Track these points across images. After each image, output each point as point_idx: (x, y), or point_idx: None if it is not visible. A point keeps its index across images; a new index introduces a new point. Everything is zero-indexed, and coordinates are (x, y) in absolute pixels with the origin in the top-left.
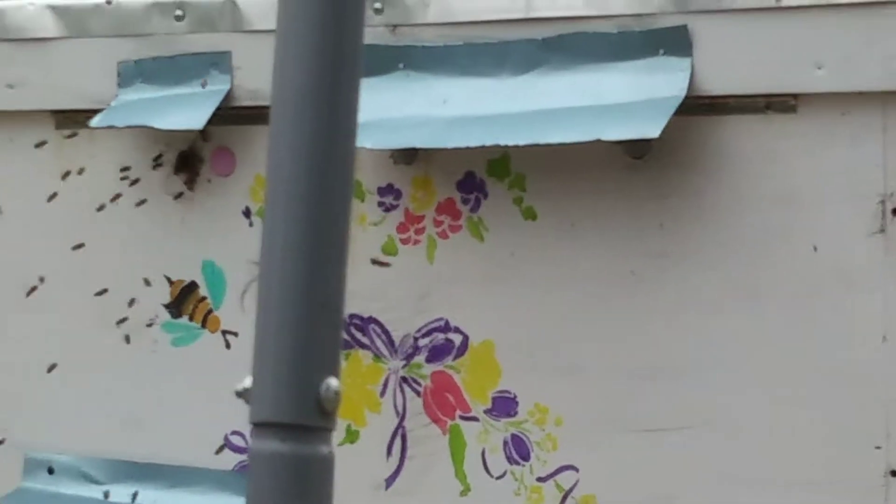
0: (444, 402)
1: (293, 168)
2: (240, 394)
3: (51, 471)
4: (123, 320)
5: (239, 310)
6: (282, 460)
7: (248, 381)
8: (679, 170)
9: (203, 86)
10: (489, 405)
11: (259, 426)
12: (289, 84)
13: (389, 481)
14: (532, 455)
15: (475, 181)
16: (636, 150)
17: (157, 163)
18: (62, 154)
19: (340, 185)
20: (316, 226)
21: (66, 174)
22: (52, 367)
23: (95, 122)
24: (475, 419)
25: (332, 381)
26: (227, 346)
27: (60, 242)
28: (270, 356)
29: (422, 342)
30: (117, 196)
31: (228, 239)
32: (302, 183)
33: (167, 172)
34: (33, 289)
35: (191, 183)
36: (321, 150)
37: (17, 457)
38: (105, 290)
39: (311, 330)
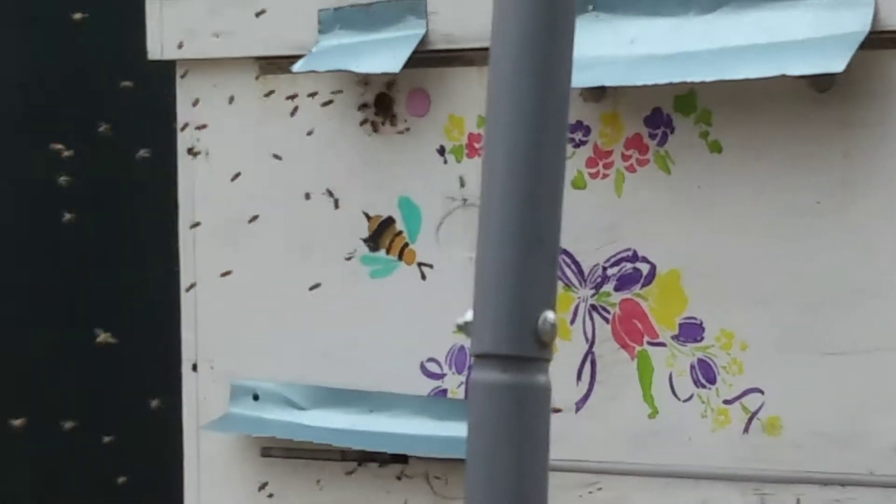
0: (632, 329)
1: (512, 110)
2: (461, 327)
3: (256, 397)
4: (325, 253)
5: (434, 243)
6: (502, 390)
7: (468, 315)
8: (863, 102)
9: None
10: (676, 331)
11: (480, 357)
12: (508, 28)
13: (579, 405)
14: (718, 378)
15: (662, 116)
16: (820, 83)
17: (355, 105)
18: (265, 99)
19: (556, 126)
20: (533, 165)
21: (269, 117)
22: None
23: (297, 67)
24: (662, 345)
25: (549, 314)
26: (423, 277)
27: (261, 181)
28: (490, 291)
29: (610, 272)
30: (316, 136)
31: (423, 176)
32: (520, 124)
33: (365, 114)
34: (254, 217)
35: (387, 123)
36: (538, 92)
37: (224, 384)
38: (306, 224)
39: (528, 265)
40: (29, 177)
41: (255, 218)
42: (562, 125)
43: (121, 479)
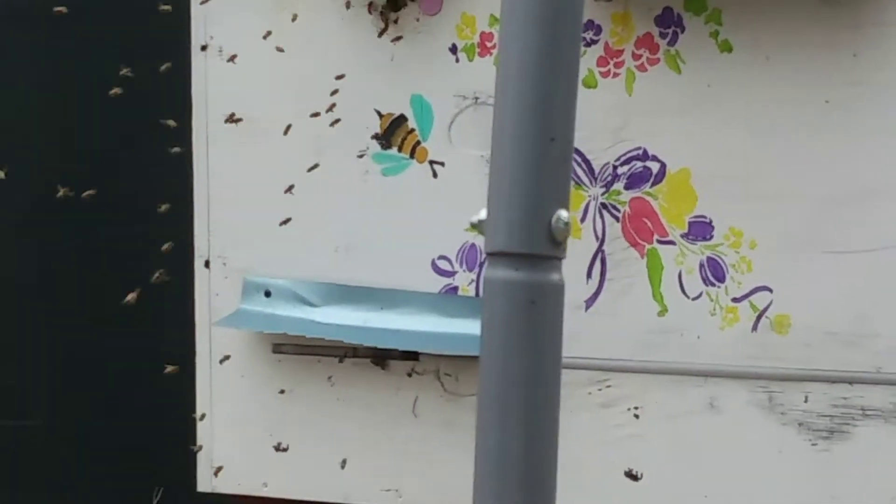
0: (641, 227)
1: (526, 10)
2: (475, 225)
3: (268, 294)
4: (336, 151)
5: (446, 141)
6: (515, 287)
7: (482, 214)
8: (872, 2)
9: None
10: (685, 229)
11: (494, 255)
12: None
13: (589, 302)
14: (727, 277)
15: (673, 16)
16: None
17: (369, 3)
18: (280, 3)
19: (570, 25)
20: (547, 65)
21: (294, 18)
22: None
23: None
24: (672, 243)
25: (563, 213)
26: (434, 175)
27: (276, 80)
28: (504, 190)
29: (620, 170)
30: (330, 35)
31: (436, 74)
32: (535, 23)
33: (378, 12)
34: (289, 127)
35: (399, 21)
36: None
37: (236, 281)
38: (317, 122)
39: (542, 164)
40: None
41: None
42: (576, 25)
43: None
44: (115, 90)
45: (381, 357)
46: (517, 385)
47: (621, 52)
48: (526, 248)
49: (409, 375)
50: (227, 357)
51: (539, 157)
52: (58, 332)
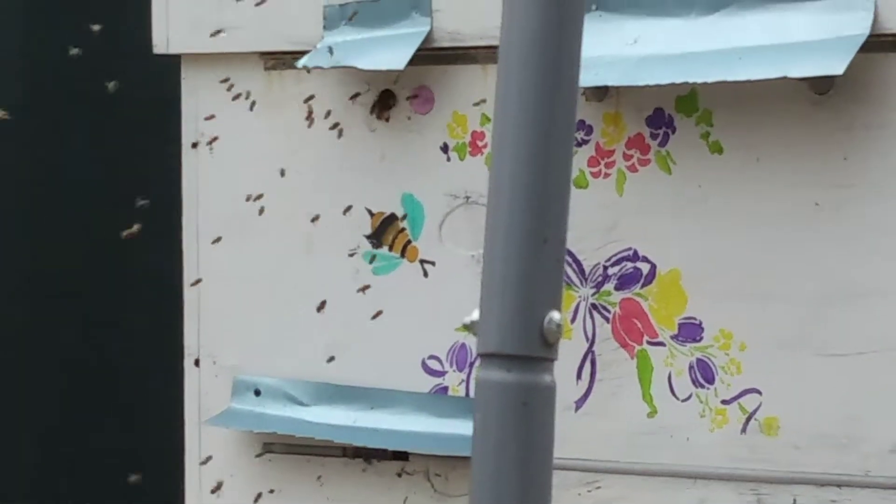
0: (632, 328)
1: (520, 110)
2: (467, 326)
3: (257, 392)
4: (327, 250)
5: (436, 240)
6: (508, 389)
7: (475, 315)
8: (862, 105)
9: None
10: (675, 331)
11: (486, 357)
12: (517, 30)
13: (579, 403)
14: (717, 378)
15: (664, 117)
16: (820, 86)
17: (359, 101)
18: (269, 93)
19: (564, 127)
20: (540, 165)
21: (274, 112)
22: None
23: (302, 62)
24: (662, 344)
25: (555, 314)
26: (425, 274)
27: (265, 176)
28: (497, 291)
29: (611, 271)
30: (320, 132)
31: (427, 173)
32: (528, 124)
33: (369, 110)
34: (292, 197)
35: (391, 120)
36: (547, 94)
37: (226, 379)
38: (309, 220)
39: (534, 265)
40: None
41: (262, 210)
42: (569, 126)
43: (133, 478)
44: None
45: (371, 457)
46: (509, 486)
47: (612, 152)
48: (518, 350)
49: (399, 475)
50: (209, 458)
51: (532, 258)
52: (47, 431)
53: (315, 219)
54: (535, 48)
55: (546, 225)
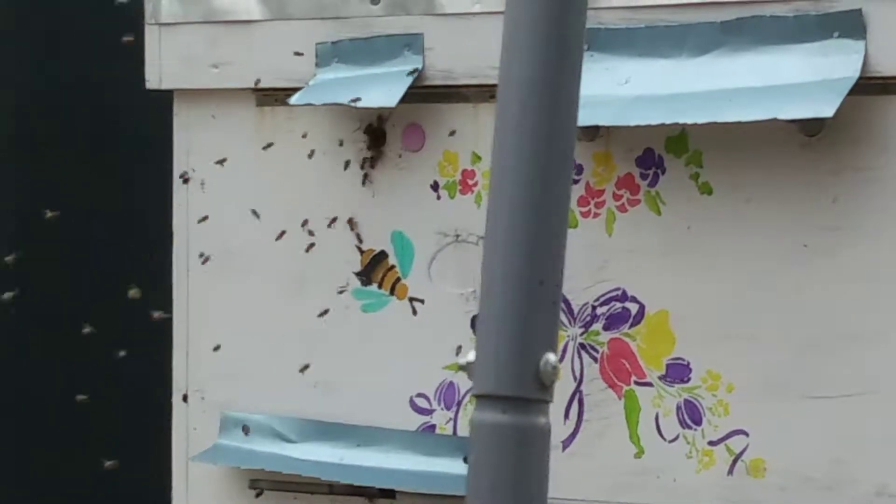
0: (620, 368)
1: (517, 155)
2: (463, 367)
3: (245, 429)
4: (316, 287)
5: (426, 278)
6: (503, 430)
7: (471, 356)
8: (852, 147)
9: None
10: (663, 371)
11: (482, 398)
12: (515, 74)
13: (566, 443)
14: (704, 420)
15: (654, 157)
16: (810, 128)
17: (350, 139)
18: (261, 129)
19: (561, 171)
20: (537, 208)
21: (267, 147)
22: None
23: (294, 99)
24: (650, 385)
25: (551, 356)
26: (414, 312)
27: (259, 212)
28: (493, 332)
29: (600, 310)
30: (311, 169)
31: (417, 211)
32: (525, 169)
33: (360, 147)
34: (282, 233)
35: (382, 157)
36: (544, 139)
37: (214, 415)
38: (298, 257)
39: (530, 308)
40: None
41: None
42: (566, 169)
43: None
44: None
45: (358, 494)
46: None
47: (602, 191)
48: (514, 392)
49: None
50: (203, 491)
51: (527, 300)
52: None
53: (309, 247)
54: (534, 91)
55: (542, 267)
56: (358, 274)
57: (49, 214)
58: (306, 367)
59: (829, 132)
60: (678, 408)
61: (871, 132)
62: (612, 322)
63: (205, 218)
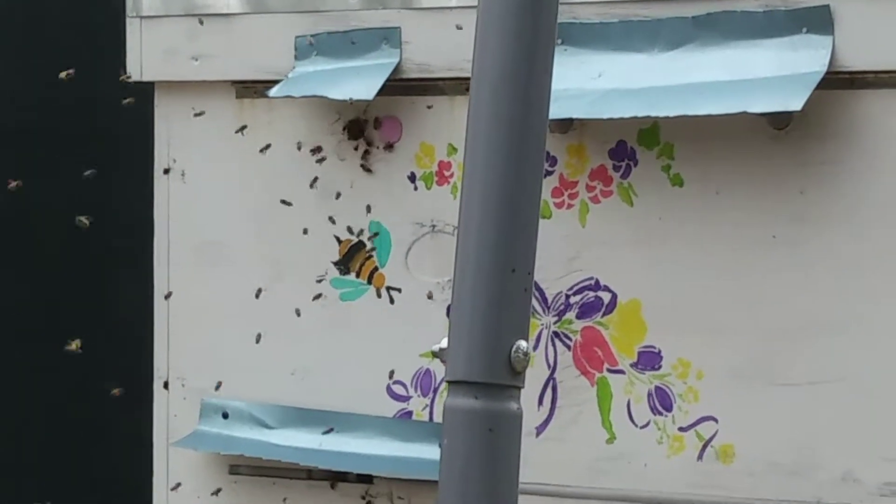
0: (592, 356)
1: (490, 144)
2: (436, 354)
3: (225, 415)
4: (296, 275)
5: (403, 268)
6: (475, 415)
7: (444, 343)
8: (819, 140)
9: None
10: (635, 359)
11: (454, 384)
12: (488, 67)
13: (540, 429)
14: (674, 406)
15: (626, 149)
16: (779, 121)
17: (329, 131)
18: (241, 121)
19: (533, 161)
20: (509, 198)
21: (244, 141)
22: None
23: (273, 92)
24: (621, 372)
25: (522, 343)
26: (391, 301)
27: (237, 204)
28: (465, 319)
29: (573, 300)
30: (290, 160)
31: (394, 202)
32: (498, 158)
33: (338, 139)
34: (260, 223)
35: (360, 149)
36: (517, 130)
37: (194, 402)
38: (277, 247)
39: (502, 295)
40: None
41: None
42: (538, 160)
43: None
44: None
45: (335, 479)
46: None
47: (575, 183)
48: (486, 378)
49: (363, 498)
50: (178, 484)
51: (500, 288)
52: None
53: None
54: (506, 83)
55: (514, 256)
56: (336, 263)
57: (12, 184)
58: (259, 336)
59: (797, 125)
60: (649, 394)
61: (839, 126)
62: (585, 311)
63: (189, 208)
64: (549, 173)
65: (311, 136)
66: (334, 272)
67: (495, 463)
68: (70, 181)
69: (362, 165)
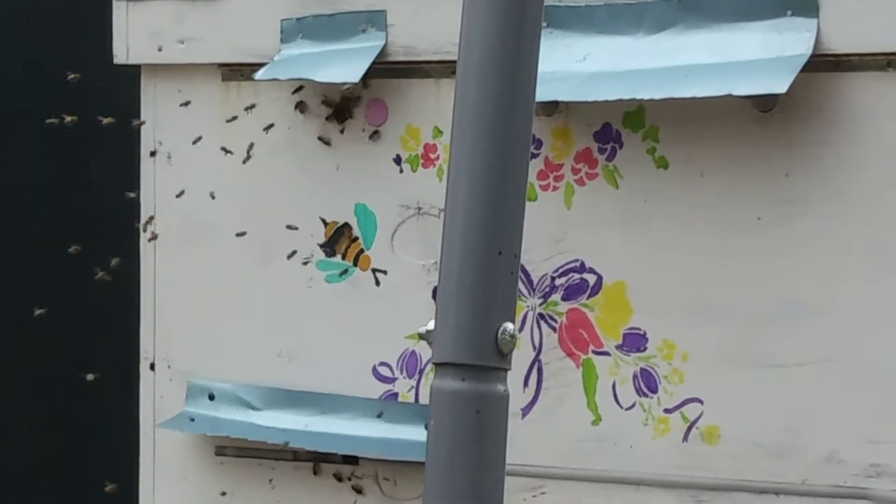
0: (578, 338)
1: (476, 126)
2: (423, 336)
3: (211, 397)
4: (282, 258)
5: (388, 250)
6: (462, 397)
7: (431, 325)
8: (804, 123)
9: (363, 31)
10: (620, 341)
11: (441, 366)
12: (474, 47)
13: (525, 411)
14: (660, 388)
15: (611, 132)
16: (764, 104)
17: (314, 113)
18: (227, 104)
19: (520, 142)
20: (495, 180)
21: (232, 120)
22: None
23: (260, 74)
24: (607, 354)
25: (508, 325)
26: (377, 283)
27: (225, 185)
28: (452, 302)
29: (558, 282)
30: (276, 142)
31: (380, 184)
32: (484, 140)
33: (324, 122)
34: (247, 206)
35: (345, 132)
36: (503, 113)
37: (180, 384)
38: (264, 229)
39: (489, 277)
40: None
41: (243, 233)
42: (524, 142)
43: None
44: None
45: (321, 460)
46: (462, 493)
47: (561, 165)
48: (472, 360)
49: (349, 479)
50: (169, 458)
51: (486, 270)
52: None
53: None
54: (493, 65)
55: (500, 238)
56: (322, 245)
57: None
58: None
59: (782, 108)
60: (634, 376)
61: (823, 108)
62: (571, 293)
63: (181, 193)
64: (534, 156)
65: (297, 118)
66: (320, 254)
67: (482, 445)
68: (55, 164)
69: (347, 148)
